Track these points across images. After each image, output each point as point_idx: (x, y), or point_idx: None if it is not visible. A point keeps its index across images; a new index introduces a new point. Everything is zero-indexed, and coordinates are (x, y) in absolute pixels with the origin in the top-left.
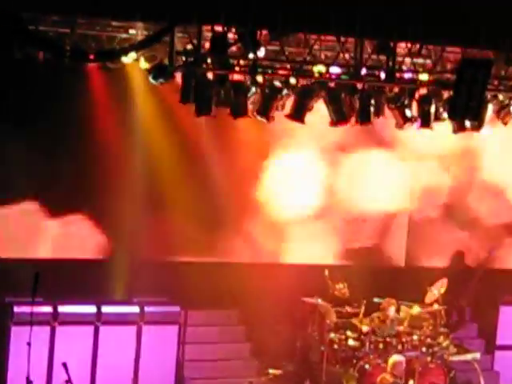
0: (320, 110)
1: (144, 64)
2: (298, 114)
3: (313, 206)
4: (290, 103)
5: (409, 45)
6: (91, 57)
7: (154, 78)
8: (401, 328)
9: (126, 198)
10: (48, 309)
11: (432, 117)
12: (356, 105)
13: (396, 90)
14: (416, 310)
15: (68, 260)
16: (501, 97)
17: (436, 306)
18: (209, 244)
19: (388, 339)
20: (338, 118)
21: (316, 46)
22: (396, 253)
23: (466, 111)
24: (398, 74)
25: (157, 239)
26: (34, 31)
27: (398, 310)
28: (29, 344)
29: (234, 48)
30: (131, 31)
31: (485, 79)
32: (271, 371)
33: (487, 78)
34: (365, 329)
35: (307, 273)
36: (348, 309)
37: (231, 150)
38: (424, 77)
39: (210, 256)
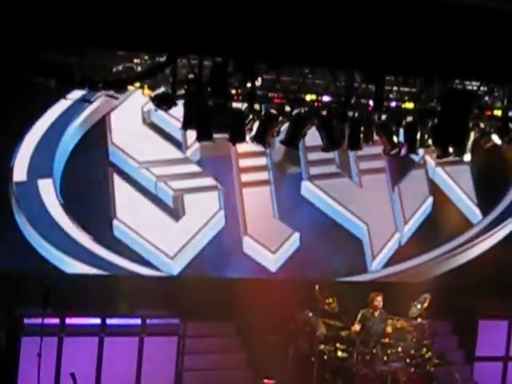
0: None
1: (147, 92)
2: (292, 141)
3: None
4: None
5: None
6: (100, 85)
7: (158, 105)
8: (386, 340)
9: None
10: (56, 321)
11: (418, 143)
12: (346, 131)
13: (384, 117)
14: (401, 323)
15: (76, 274)
16: (482, 125)
17: (419, 320)
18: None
19: (374, 351)
20: (330, 143)
21: (309, 75)
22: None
23: (450, 138)
24: (385, 103)
25: None
26: (45, 59)
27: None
28: (39, 355)
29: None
30: (135, 60)
31: (468, 110)
32: (265, 380)
33: (470, 108)
34: (357, 328)
35: (299, 288)
36: (337, 323)
37: None
38: (410, 105)
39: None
